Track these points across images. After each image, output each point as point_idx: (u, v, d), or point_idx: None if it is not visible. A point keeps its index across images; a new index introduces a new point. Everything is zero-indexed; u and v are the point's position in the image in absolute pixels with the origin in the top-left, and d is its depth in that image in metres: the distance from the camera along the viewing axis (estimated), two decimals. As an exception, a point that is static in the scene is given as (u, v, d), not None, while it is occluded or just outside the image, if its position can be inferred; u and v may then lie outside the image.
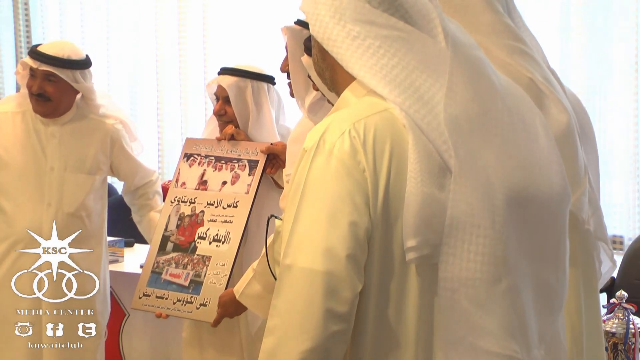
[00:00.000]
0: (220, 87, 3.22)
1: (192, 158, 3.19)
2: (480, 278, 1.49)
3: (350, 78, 1.61)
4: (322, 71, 1.70)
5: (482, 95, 1.56)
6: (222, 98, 3.22)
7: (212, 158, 3.15)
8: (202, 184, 3.15)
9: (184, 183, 3.18)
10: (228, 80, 3.20)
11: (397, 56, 1.54)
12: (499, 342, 1.49)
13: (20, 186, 3.39)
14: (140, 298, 3.08)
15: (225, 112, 3.21)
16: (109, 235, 3.67)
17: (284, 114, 3.39)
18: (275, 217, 1.71)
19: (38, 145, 3.42)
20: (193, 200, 3.13)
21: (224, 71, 3.27)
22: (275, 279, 1.62)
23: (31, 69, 3.36)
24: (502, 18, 1.94)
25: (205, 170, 3.16)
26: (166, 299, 3.02)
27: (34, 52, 3.38)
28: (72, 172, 3.44)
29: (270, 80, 3.29)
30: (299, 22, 2.59)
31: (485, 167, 1.51)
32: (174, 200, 3.16)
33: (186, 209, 3.12)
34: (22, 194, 3.39)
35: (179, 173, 3.20)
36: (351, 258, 1.47)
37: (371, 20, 1.56)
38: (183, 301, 3.00)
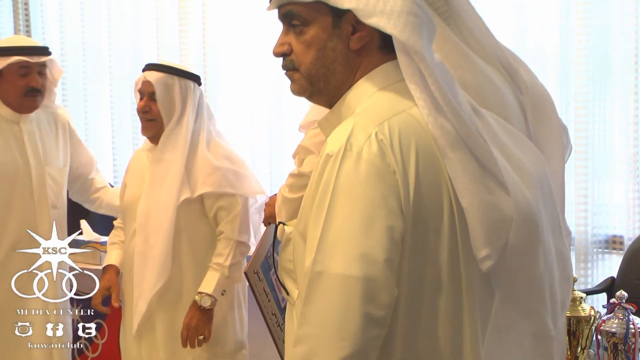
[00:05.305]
0: (146, 82, 3.19)
1: None
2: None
3: (351, 81, 1.62)
4: (330, 74, 1.65)
5: (490, 96, 1.63)
6: (147, 94, 3.19)
7: None
8: None
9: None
10: (155, 76, 3.18)
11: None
12: (538, 322, 1.58)
13: (7, 186, 3.34)
14: (255, 272, 2.78)
15: (150, 109, 3.19)
16: (107, 235, 3.68)
17: (212, 117, 3.31)
18: (284, 225, 1.68)
19: (14, 144, 3.35)
20: None
21: (151, 67, 3.24)
22: (284, 288, 1.62)
23: (25, 64, 3.25)
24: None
25: None
26: (269, 301, 2.76)
27: (24, 49, 3.27)
28: (48, 166, 3.40)
29: (196, 79, 3.25)
30: None
31: (519, 161, 1.57)
32: None
33: None
34: (9, 194, 3.34)
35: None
36: (389, 262, 1.45)
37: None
38: (277, 320, 2.74)
